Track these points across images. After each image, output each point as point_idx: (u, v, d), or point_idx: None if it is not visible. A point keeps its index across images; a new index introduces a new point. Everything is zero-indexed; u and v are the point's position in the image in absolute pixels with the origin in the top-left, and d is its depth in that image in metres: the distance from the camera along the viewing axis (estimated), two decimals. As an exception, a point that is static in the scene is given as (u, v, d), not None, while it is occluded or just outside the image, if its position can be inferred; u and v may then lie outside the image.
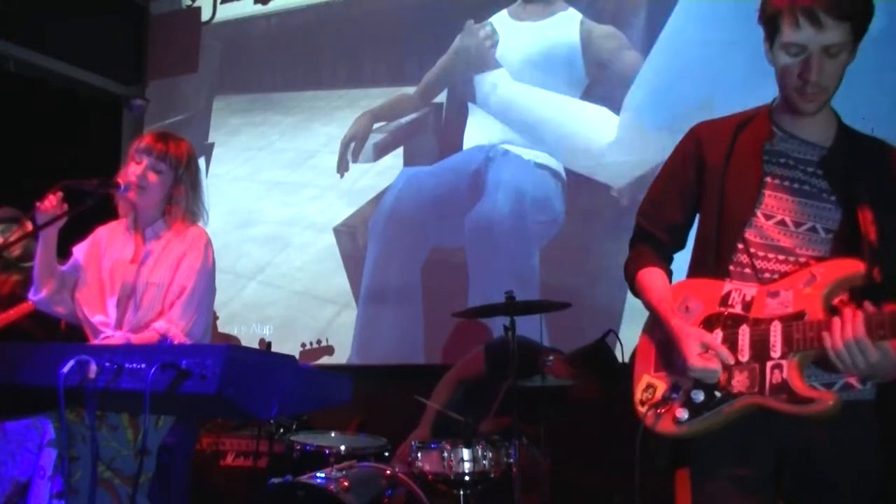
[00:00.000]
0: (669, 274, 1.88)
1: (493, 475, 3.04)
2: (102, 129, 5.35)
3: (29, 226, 3.46)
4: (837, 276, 1.61)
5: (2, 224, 3.69)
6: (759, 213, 1.73)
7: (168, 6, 5.76)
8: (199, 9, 5.63)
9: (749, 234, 1.73)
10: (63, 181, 2.39)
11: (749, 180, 1.73)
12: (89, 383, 1.82)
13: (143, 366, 1.78)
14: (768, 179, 1.73)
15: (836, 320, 1.52)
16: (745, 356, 1.64)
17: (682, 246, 1.92)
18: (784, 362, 1.59)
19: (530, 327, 3.54)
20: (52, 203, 2.38)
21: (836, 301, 1.61)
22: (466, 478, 3.01)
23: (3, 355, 2.05)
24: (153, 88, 5.67)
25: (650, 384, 1.77)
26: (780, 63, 1.68)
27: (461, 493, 3.05)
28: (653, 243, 1.90)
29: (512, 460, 3.02)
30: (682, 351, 1.68)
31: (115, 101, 5.58)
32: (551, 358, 3.37)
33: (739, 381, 1.63)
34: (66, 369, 1.81)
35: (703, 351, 1.66)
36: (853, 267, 1.60)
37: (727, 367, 1.65)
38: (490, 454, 3.03)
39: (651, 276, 1.84)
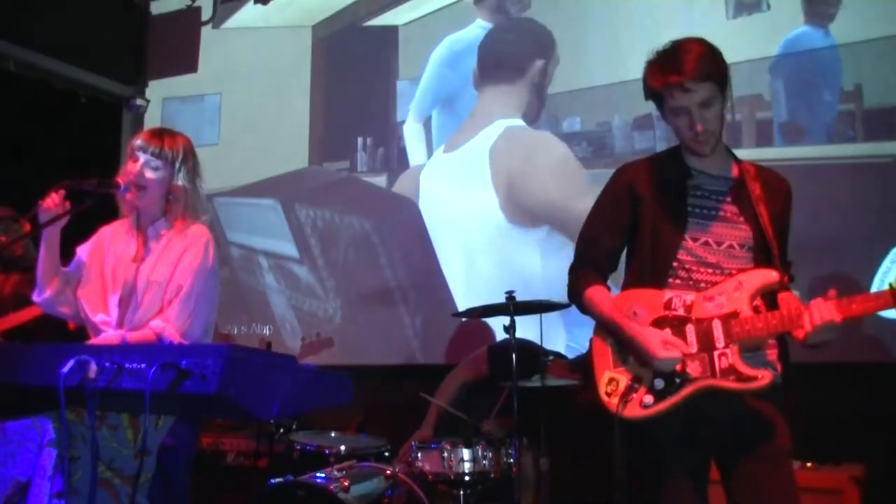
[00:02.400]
0: (608, 291, 2.22)
1: (493, 475, 3.04)
2: (102, 129, 5.35)
3: (27, 225, 3.46)
4: (760, 284, 2.02)
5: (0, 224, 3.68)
6: (687, 237, 2.10)
7: (168, 6, 5.76)
8: (199, 9, 5.64)
9: (681, 255, 2.10)
10: (63, 181, 2.38)
11: (677, 212, 2.12)
12: (89, 383, 1.81)
13: (143, 366, 1.77)
14: (690, 209, 2.11)
15: (813, 307, 1.92)
16: (693, 349, 2.01)
17: (615, 268, 2.27)
18: (728, 350, 1.98)
19: (531, 327, 3.54)
20: (54, 201, 2.37)
21: (756, 303, 2.03)
22: (466, 478, 3.02)
23: (3, 355, 2.05)
24: (153, 88, 5.67)
25: (612, 378, 2.09)
26: (674, 123, 2.10)
27: (461, 493, 3.05)
28: (594, 266, 2.23)
29: (512, 460, 3.03)
30: (645, 348, 2.01)
31: (115, 101, 5.58)
32: (551, 357, 3.38)
33: (693, 369, 2.00)
34: (66, 369, 1.80)
35: (663, 344, 2.00)
36: (770, 276, 2.02)
37: (682, 359, 2.00)
38: (490, 454, 3.04)
39: (598, 292, 2.18)
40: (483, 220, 4.47)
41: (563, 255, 4.22)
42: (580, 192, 4.23)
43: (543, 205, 4.35)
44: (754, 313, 2.00)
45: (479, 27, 4.72)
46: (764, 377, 1.94)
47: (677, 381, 2.00)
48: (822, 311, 1.91)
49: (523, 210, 4.40)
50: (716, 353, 1.98)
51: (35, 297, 2.53)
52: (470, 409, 3.56)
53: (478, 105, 4.66)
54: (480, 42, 4.70)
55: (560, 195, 4.31)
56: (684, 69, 2.02)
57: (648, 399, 2.01)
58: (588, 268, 2.23)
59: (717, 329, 1.99)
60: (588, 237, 2.27)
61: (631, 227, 2.20)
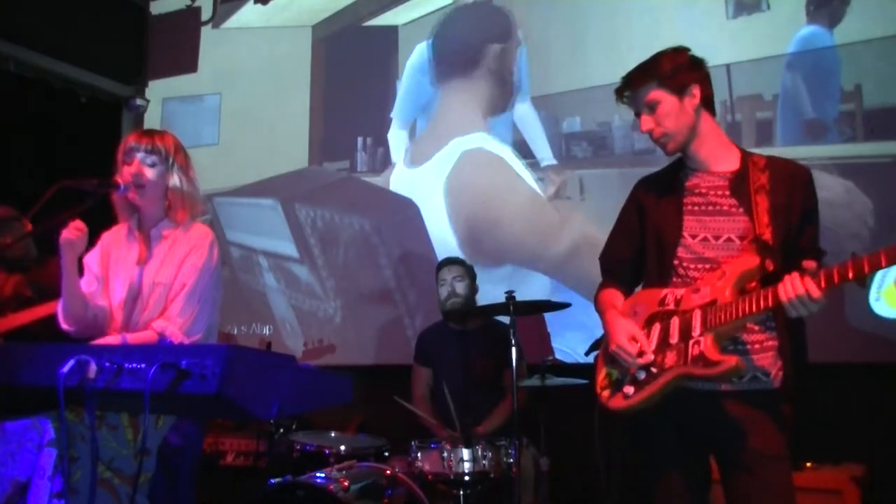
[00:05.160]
0: (626, 296, 2.28)
1: (493, 475, 3.04)
2: (102, 129, 5.35)
3: (29, 225, 3.45)
4: (740, 271, 2.03)
5: (4, 226, 3.66)
6: (685, 235, 2.15)
7: (168, 6, 5.76)
8: (199, 9, 5.64)
9: (680, 252, 2.15)
10: (63, 181, 2.38)
11: (673, 212, 2.18)
12: (89, 383, 1.81)
13: (142, 366, 1.77)
14: (687, 207, 2.17)
15: (786, 281, 1.87)
16: (674, 339, 2.05)
17: (638, 279, 2.31)
18: (702, 338, 1.99)
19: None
20: (78, 231, 2.37)
21: (748, 287, 2.02)
22: (466, 478, 3.02)
23: (3, 355, 2.04)
24: (153, 88, 5.67)
25: (608, 373, 2.16)
26: None
27: (461, 493, 3.05)
28: (611, 276, 2.35)
29: (512, 460, 3.03)
30: (609, 334, 2.13)
31: (115, 101, 5.58)
32: (550, 358, 3.38)
33: (670, 358, 2.03)
34: (65, 369, 1.80)
35: (624, 339, 2.07)
36: (750, 262, 2.03)
37: (662, 350, 2.05)
38: (490, 454, 3.03)
39: (606, 294, 2.30)
40: (444, 250, 4.44)
41: (531, 283, 4.23)
42: (556, 233, 4.23)
43: (514, 250, 4.31)
44: (738, 297, 1.98)
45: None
46: (727, 361, 1.92)
47: (654, 371, 2.04)
48: (796, 286, 1.85)
49: (486, 254, 4.39)
50: (691, 342, 2.00)
51: (63, 327, 2.51)
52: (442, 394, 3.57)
53: (438, 112, 4.69)
54: (436, 32, 4.72)
55: (535, 240, 4.27)
56: (623, 81, 2.21)
57: (630, 390, 2.06)
58: (605, 277, 2.36)
59: (696, 318, 2.02)
60: (605, 249, 2.40)
61: (641, 236, 2.27)
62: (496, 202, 4.44)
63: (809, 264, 1.87)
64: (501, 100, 4.54)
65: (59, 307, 2.52)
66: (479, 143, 4.55)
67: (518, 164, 4.44)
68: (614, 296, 2.27)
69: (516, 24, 4.54)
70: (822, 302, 1.84)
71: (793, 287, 1.85)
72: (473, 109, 4.59)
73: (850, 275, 1.79)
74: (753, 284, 2.01)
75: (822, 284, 1.83)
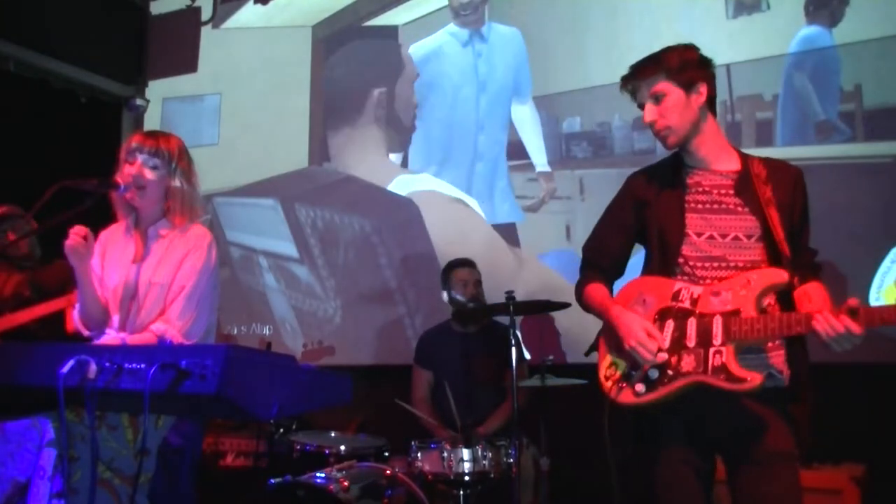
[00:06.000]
0: (610, 292, 2.28)
1: (493, 475, 3.04)
2: (102, 129, 5.35)
3: (34, 223, 3.45)
4: (767, 283, 2.02)
5: (5, 223, 3.65)
6: (690, 233, 2.13)
7: (168, 6, 5.76)
8: (199, 9, 5.64)
9: (685, 250, 2.13)
10: (63, 181, 2.37)
11: (676, 209, 2.15)
12: (89, 383, 1.81)
13: (142, 366, 1.77)
14: (689, 205, 2.15)
15: (824, 320, 1.88)
16: (692, 343, 2.02)
17: (620, 274, 2.31)
18: (723, 349, 1.97)
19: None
20: (78, 237, 2.37)
21: (765, 303, 2.03)
22: (466, 478, 3.02)
23: (3, 355, 2.04)
24: (153, 88, 5.67)
25: (613, 363, 2.13)
26: None
27: (461, 493, 3.05)
28: (596, 270, 2.30)
29: (512, 460, 3.03)
30: (620, 332, 2.08)
31: (115, 101, 5.58)
32: (551, 357, 3.38)
33: (687, 363, 2.00)
34: (65, 369, 1.80)
35: (643, 334, 2.03)
36: (780, 276, 2.02)
37: (677, 351, 2.02)
38: (490, 454, 3.04)
39: (596, 287, 2.26)
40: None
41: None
42: (512, 278, 4.22)
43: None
44: (759, 314, 1.99)
45: (447, 34, 4.73)
46: (753, 380, 1.92)
47: (670, 373, 2.01)
48: (834, 325, 1.88)
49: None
50: (711, 350, 1.98)
51: (83, 332, 2.52)
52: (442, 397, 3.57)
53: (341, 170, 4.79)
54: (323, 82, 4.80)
55: (491, 284, 4.08)
56: (630, 71, 2.20)
57: (641, 388, 2.03)
58: (590, 271, 2.31)
59: (717, 326, 1.99)
60: (593, 242, 2.34)
61: (637, 231, 2.25)
62: (449, 245, 4.43)
63: (853, 302, 1.89)
64: (399, 135, 4.64)
65: (75, 312, 2.52)
66: (407, 188, 4.65)
67: (455, 191, 4.50)
68: (606, 292, 2.25)
69: (407, 56, 4.56)
70: (863, 335, 1.88)
71: (832, 326, 1.87)
72: (379, 155, 4.66)
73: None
74: (771, 298, 2.04)
75: (863, 325, 1.87)
